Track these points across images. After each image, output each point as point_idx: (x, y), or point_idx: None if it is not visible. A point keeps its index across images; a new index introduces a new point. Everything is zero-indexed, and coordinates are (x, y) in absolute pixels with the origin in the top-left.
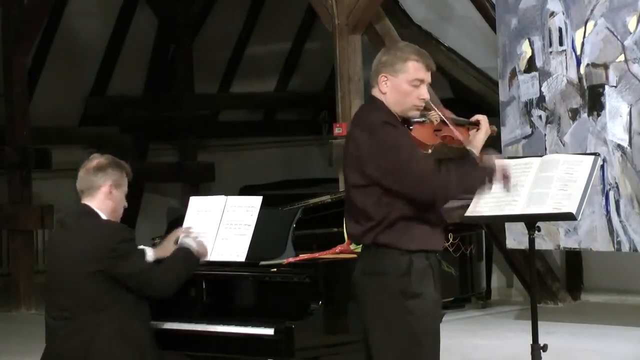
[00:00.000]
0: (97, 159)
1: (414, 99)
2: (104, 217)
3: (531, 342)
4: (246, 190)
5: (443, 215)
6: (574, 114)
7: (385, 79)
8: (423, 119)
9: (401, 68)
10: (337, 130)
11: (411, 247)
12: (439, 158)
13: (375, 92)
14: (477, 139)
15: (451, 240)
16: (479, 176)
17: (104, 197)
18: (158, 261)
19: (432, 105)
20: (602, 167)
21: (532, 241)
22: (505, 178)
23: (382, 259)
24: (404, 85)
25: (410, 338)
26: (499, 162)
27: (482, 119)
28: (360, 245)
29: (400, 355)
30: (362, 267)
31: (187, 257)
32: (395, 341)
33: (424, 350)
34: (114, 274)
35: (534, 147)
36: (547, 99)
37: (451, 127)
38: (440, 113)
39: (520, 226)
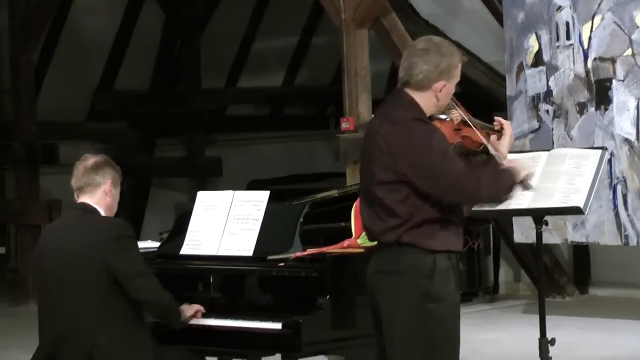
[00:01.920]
0: (93, 158)
1: (449, 99)
2: (103, 213)
3: (539, 336)
4: (253, 184)
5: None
6: (582, 108)
7: (443, 86)
8: (444, 116)
9: (455, 73)
10: (344, 125)
11: (435, 248)
12: (466, 159)
13: (413, 93)
14: (502, 146)
15: None
16: (507, 181)
17: (103, 195)
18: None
19: (455, 104)
20: (610, 161)
21: (539, 235)
22: (527, 178)
23: (404, 258)
24: (453, 88)
25: (428, 340)
26: (520, 164)
27: (507, 125)
28: (369, 241)
29: (414, 356)
30: (380, 266)
31: (176, 313)
32: (413, 343)
33: (442, 352)
34: (112, 268)
35: (541, 141)
36: (554, 93)
37: (473, 128)
38: (462, 113)
39: (528, 220)
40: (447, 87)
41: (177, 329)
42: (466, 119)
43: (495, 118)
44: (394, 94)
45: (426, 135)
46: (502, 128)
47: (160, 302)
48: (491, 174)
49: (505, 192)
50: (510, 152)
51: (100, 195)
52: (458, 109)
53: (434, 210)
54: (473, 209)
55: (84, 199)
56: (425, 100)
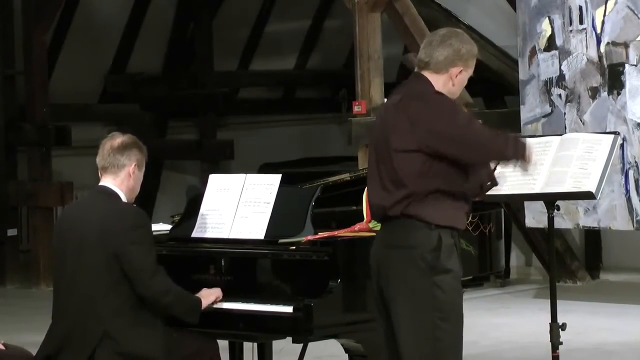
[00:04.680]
0: (120, 137)
1: (461, 89)
2: (123, 197)
3: (550, 321)
4: (265, 168)
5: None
6: (594, 92)
7: (460, 71)
8: None
9: (471, 63)
10: (356, 108)
11: (439, 222)
12: None
13: (431, 75)
14: None
15: (470, 218)
16: (521, 146)
17: (126, 177)
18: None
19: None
20: (622, 146)
21: (551, 220)
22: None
23: (411, 233)
24: (466, 80)
25: (436, 313)
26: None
27: None
28: (380, 225)
29: (425, 329)
30: (386, 240)
31: (196, 305)
32: (421, 315)
33: (449, 325)
34: (122, 258)
35: (553, 125)
36: (567, 77)
37: None
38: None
39: (540, 205)
40: (463, 75)
41: (190, 322)
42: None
43: None
44: (411, 77)
45: (448, 104)
46: None
47: (161, 301)
48: (513, 135)
49: (526, 156)
50: (524, 136)
51: (123, 177)
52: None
53: (445, 185)
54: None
55: (107, 178)
56: (441, 84)
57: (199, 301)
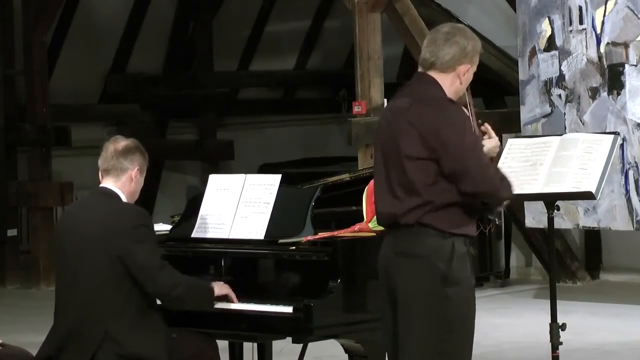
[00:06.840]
0: (124, 141)
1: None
2: (124, 198)
3: (550, 321)
4: (265, 168)
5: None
6: (594, 92)
7: (467, 69)
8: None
9: (476, 59)
10: (356, 109)
11: (454, 231)
12: None
13: (437, 75)
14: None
15: None
16: (508, 187)
17: (127, 180)
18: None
19: (466, 98)
20: (622, 146)
21: (551, 220)
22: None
23: (423, 241)
24: (472, 76)
25: (443, 324)
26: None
27: (494, 141)
28: (380, 225)
29: (430, 340)
30: (397, 248)
31: (208, 292)
32: (430, 325)
33: (455, 337)
34: (126, 258)
35: (553, 126)
36: (566, 77)
37: (474, 125)
38: (471, 110)
39: (540, 205)
40: (470, 72)
41: (206, 309)
42: (472, 117)
43: (485, 125)
44: (416, 77)
45: (460, 117)
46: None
47: (171, 294)
48: (508, 177)
49: (504, 199)
50: (523, 136)
51: (124, 181)
52: (470, 104)
53: (459, 196)
54: None
55: (108, 181)
56: (448, 83)
57: (211, 288)
